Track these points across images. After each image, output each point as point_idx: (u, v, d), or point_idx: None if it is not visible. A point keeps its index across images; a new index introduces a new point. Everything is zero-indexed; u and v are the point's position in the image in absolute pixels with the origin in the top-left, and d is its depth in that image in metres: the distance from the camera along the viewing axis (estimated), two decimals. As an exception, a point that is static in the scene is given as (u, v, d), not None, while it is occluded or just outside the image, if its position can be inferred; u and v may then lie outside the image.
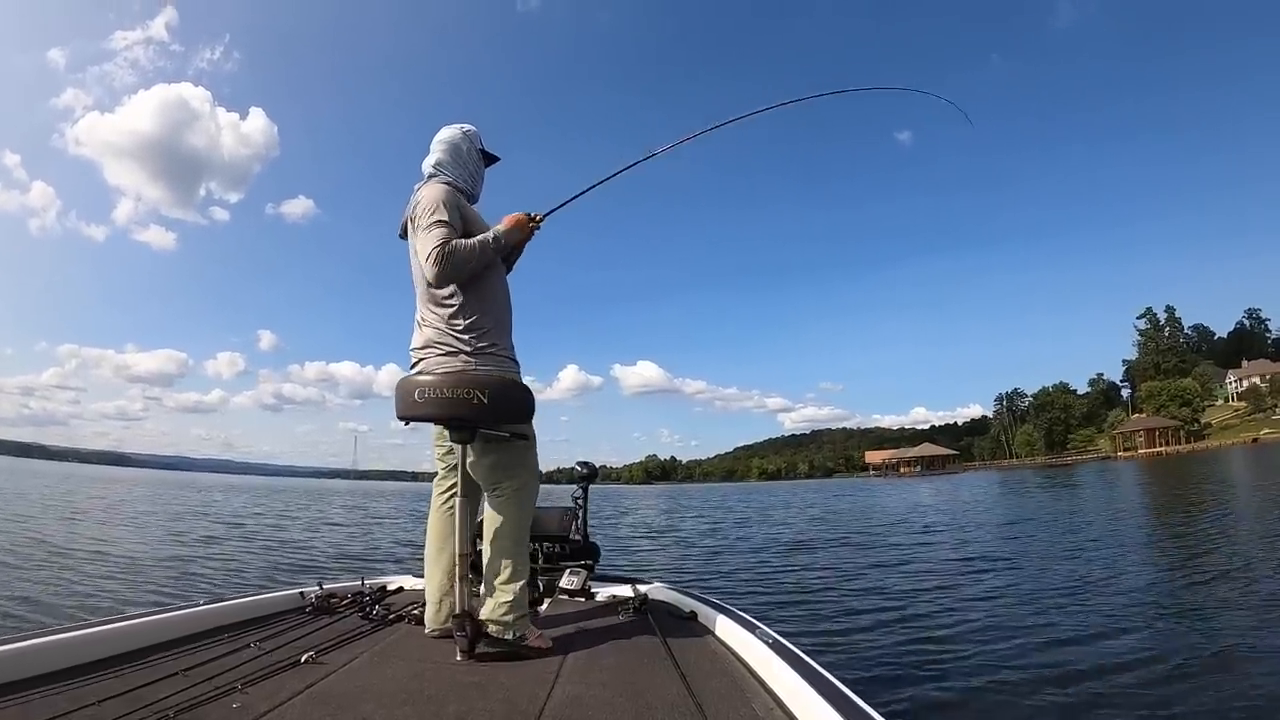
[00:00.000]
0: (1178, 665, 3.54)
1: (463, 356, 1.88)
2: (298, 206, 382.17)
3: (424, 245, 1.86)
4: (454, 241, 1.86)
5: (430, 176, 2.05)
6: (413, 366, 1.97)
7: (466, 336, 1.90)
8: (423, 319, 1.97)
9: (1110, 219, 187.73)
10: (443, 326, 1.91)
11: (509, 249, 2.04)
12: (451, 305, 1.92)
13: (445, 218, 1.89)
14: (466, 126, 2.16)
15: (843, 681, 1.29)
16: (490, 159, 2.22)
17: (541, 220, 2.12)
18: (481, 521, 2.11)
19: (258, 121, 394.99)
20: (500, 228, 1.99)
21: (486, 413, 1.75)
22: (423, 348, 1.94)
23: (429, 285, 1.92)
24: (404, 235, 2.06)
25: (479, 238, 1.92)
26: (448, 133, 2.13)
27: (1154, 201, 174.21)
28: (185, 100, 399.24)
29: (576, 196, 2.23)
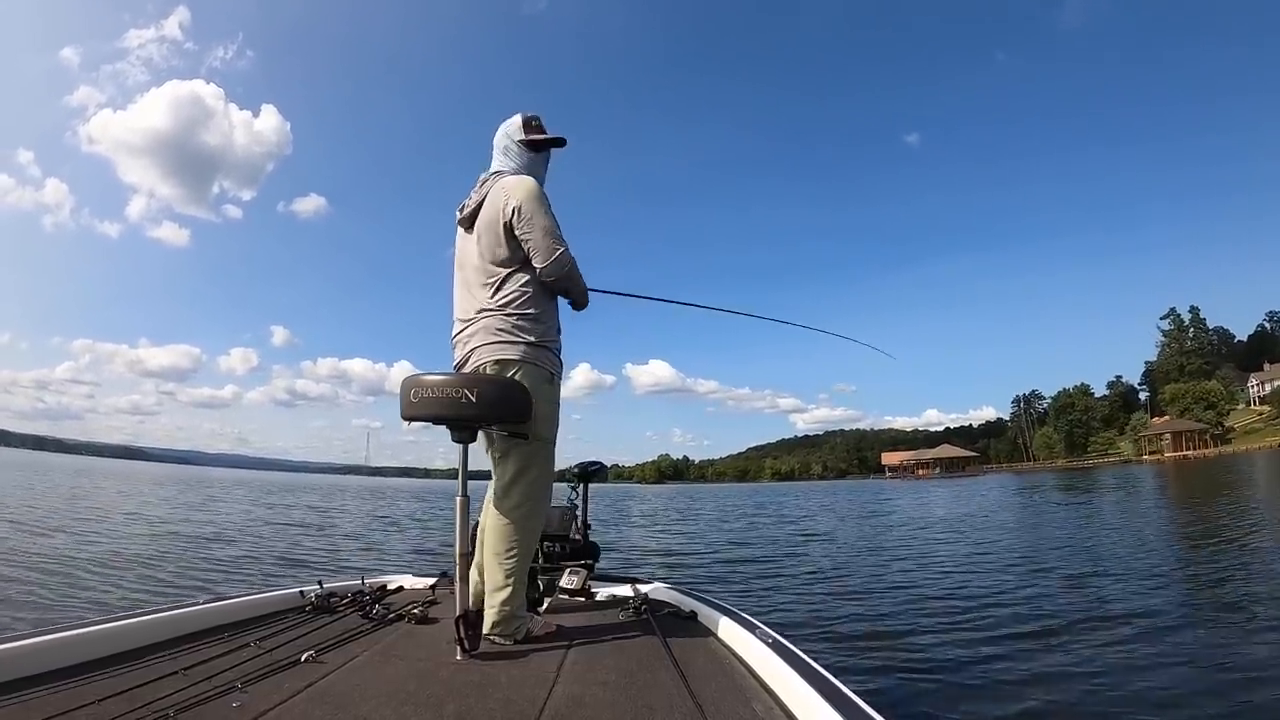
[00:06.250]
0: (1193, 673, 3.44)
1: (522, 346, 1.90)
2: (310, 204, 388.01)
3: (553, 240, 1.92)
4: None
5: (513, 172, 2.04)
6: (460, 360, 1.98)
7: (533, 326, 1.93)
8: (483, 308, 1.95)
9: (1120, 222, 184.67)
10: (508, 314, 1.92)
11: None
12: (527, 292, 1.94)
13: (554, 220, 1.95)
14: (510, 119, 2.11)
15: (843, 681, 1.28)
16: (543, 145, 2.11)
17: None
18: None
19: (270, 119, 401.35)
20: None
21: (479, 411, 1.74)
22: (475, 334, 1.95)
23: (543, 274, 1.93)
24: (468, 224, 2.04)
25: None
26: (497, 130, 2.12)
27: (1166, 204, 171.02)
28: (198, 97, 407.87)
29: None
